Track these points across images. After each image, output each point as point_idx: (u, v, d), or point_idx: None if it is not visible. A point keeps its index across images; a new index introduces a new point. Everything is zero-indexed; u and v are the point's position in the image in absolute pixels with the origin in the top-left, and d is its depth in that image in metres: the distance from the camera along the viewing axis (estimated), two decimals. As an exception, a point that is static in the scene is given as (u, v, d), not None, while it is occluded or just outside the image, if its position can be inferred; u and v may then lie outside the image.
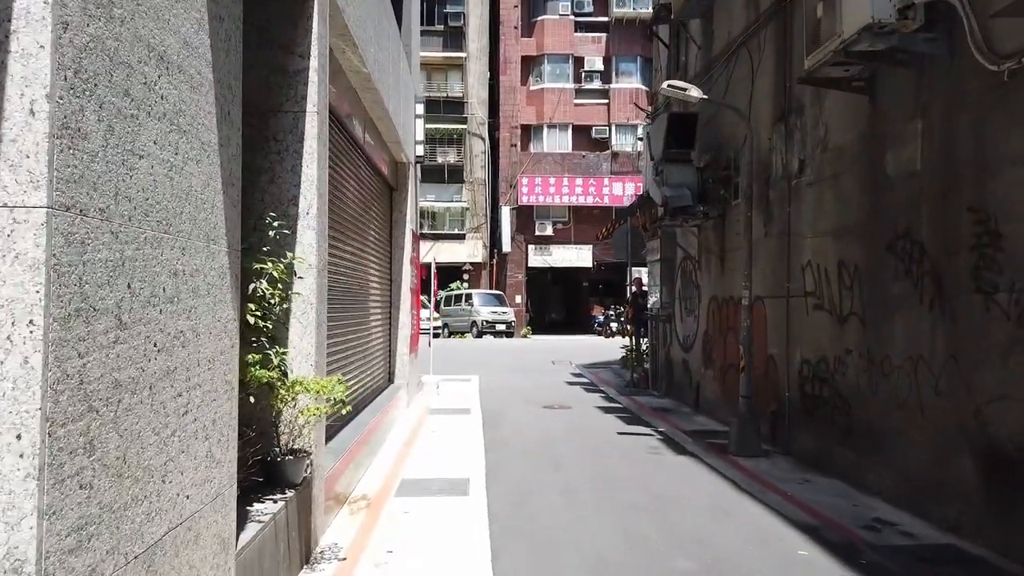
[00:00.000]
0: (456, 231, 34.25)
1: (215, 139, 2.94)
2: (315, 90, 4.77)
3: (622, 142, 34.25)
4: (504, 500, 5.97)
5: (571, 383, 14.61)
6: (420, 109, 11.80)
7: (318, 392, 4.21)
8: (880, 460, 6.10)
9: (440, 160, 33.86)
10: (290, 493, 4.12)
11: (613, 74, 34.21)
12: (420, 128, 11.78)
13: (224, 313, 3.03)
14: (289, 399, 4.14)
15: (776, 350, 8.20)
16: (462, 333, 30.75)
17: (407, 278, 11.11)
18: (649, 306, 13.48)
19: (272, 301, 3.84)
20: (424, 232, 32.78)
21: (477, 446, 8.10)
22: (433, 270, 13.60)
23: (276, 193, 4.62)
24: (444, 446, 8.17)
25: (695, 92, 8.06)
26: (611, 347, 24.49)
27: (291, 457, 4.19)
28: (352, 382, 7.94)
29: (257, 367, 3.63)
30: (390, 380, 11.02)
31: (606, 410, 11.06)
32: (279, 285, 3.89)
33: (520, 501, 5.99)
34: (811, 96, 7.41)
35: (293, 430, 4.36)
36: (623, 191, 33.67)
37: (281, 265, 3.89)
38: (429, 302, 15.17)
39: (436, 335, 30.11)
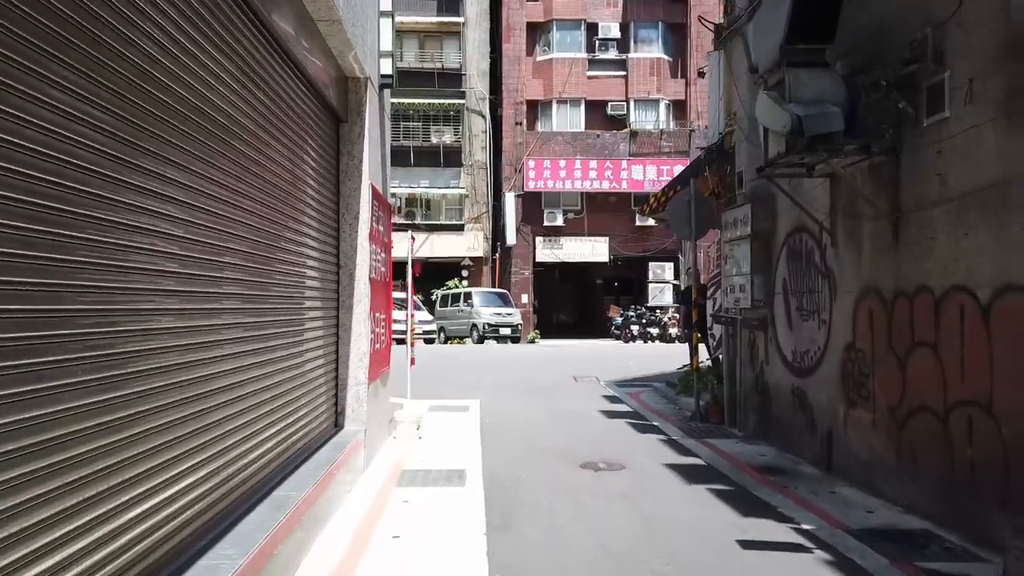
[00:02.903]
0: (453, 221, 30.08)
1: None
2: None
3: (642, 119, 30.12)
4: None
5: (609, 413, 10.45)
6: (387, 2, 7.66)
7: None
8: None
9: (435, 140, 29.72)
10: None
11: (631, 42, 30.08)
12: (388, 32, 7.65)
13: None
14: None
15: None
16: (461, 338, 26.59)
17: (365, 264, 6.98)
18: (726, 306, 9.29)
19: None
20: (416, 223, 28.73)
21: (476, 593, 3.96)
22: (409, 267, 9.37)
23: None
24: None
25: None
26: (636, 354, 20.34)
27: None
28: (212, 469, 3.82)
29: None
30: (337, 424, 6.89)
31: (684, 473, 6.89)
32: None
33: None
34: None
35: None
36: (643, 175, 29.57)
37: None
38: (405, 304, 10.98)
39: (430, 341, 26.01)
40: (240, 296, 4.41)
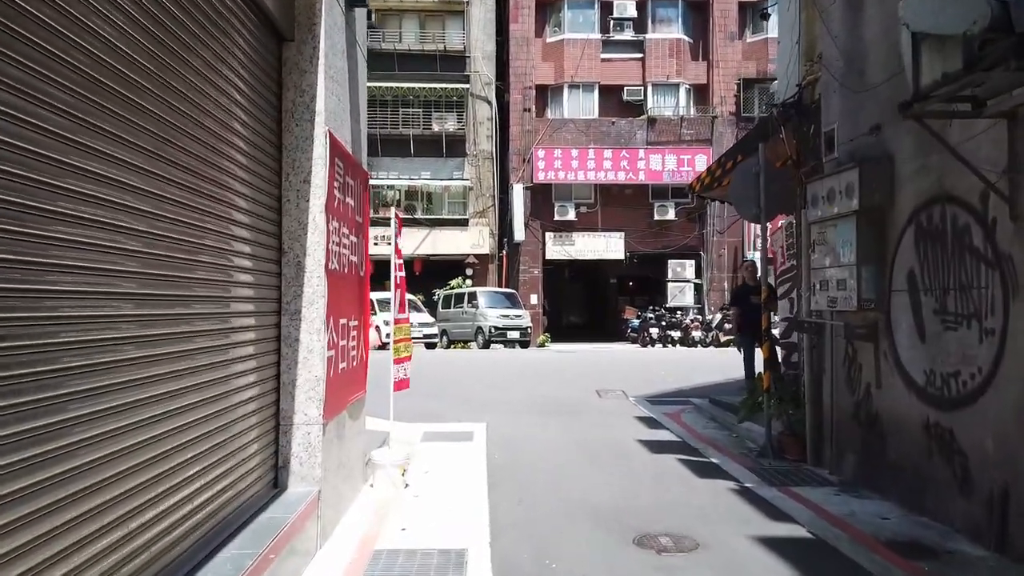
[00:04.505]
0: (457, 216, 27.89)
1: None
2: None
3: (660, 105, 27.90)
4: None
5: (651, 444, 8.24)
6: None
7: None
8: None
9: (436, 128, 27.56)
10: None
11: (649, 22, 27.87)
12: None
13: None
14: None
15: None
16: (465, 342, 24.41)
17: (320, 248, 4.78)
18: (814, 308, 7.03)
19: None
20: (417, 217, 26.62)
21: None
22: (394, 267, 7.06)
23: None
24: None
25: None
26: (660, 361, 18.08)
27: None
28: None
29: None
30: (277, 484, 4.70)
31: (790, 555, 4.67)
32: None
33: None
34: None
35: None
36: (662, 165, 27.37)
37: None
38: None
39: (431, 345, 23.82)
40: (117, 300, 2.26)
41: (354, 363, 5.73)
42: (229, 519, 3.96)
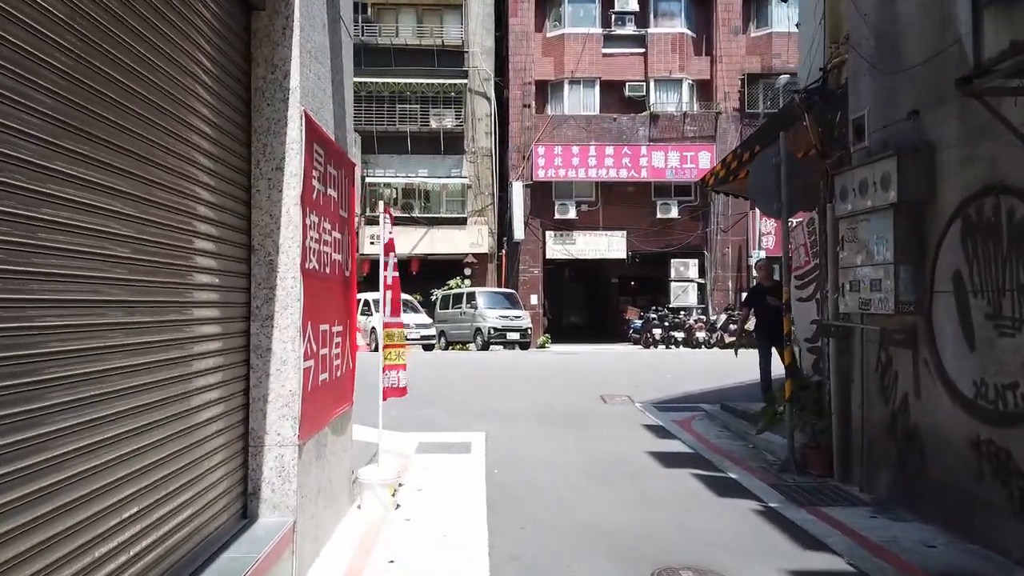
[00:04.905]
0: (455, 214, 27.30)
1: None
2: None
3: (662, 101, 27.32)
4: None
5: (662, 457, 7.66)
6: None
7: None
8: None
9: (434, 125, 26.97)
10: None
11: (651, 16, 27.29)
12: None
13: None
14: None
15: None
16: (463, 343, 23.83)
17: (295, 245, 4.20)
18: (843, 310, 6.45)
19: None
20: (415, 216, 26.03)
21: None
22: (383, 266, 6.46)
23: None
24: None
25: None
26: (664, 363, 17.53)
27: None
28: None
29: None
30: (246, 514, 4.12)
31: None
32: None
33: None
34: None
35: None
36: (665, 162, 26.78)
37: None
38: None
39: (429, 347, 23.26)
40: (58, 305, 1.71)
41: (338, 373, 5.15)
42: (189, 558, 3.40)
